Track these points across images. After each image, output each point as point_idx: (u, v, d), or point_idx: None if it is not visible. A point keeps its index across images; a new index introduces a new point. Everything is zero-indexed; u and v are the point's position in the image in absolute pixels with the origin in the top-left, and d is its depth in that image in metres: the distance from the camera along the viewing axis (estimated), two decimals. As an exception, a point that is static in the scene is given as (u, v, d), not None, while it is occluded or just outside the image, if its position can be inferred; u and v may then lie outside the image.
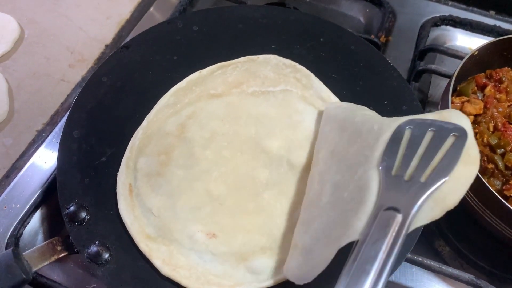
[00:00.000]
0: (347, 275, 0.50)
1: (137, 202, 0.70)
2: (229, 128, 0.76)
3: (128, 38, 0.96)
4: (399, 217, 0.51)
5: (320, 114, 0.77)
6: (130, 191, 0.71)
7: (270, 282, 0.64)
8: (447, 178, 0.52)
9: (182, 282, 0.64)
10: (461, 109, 0.72)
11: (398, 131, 0.59)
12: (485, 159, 0.66)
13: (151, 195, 0.71)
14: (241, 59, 0.83)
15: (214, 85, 0.81)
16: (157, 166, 0.73)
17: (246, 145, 0.75)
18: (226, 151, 0.74)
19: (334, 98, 0.79)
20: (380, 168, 0.56)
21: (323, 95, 0.79)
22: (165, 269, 0.65)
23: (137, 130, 0.76)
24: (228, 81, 0.81)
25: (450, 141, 0.55)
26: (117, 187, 0.71)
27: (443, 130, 0.56)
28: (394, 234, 0.51)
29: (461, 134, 0.55)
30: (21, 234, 0.74)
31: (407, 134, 0.58)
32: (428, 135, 0.57)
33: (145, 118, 0.78)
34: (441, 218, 0.75)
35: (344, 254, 0.61)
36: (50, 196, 0.77)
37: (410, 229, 0.51)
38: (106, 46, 0.98)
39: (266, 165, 0.73)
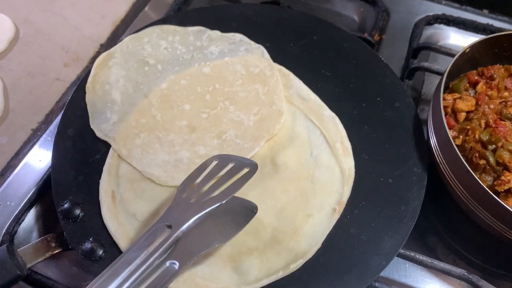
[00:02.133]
0: (102, 275, 0.54)
1: (121, 208, 0.70)
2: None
3: (123, 37, 0.96)
4: (167, 231, 0.58)
5: (301, 112, 0.78)
6: (113, 198, 0.71)
7: (258, 283, 0.64)
8: (223, 202, 0.60)
9: (169, 286, 0.63)
10: (453, 106, 0.73)
11: (206, 162, 0.66)
12: (477, 155, 0.67)
13: (134, 200, 0.71)
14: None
15: None
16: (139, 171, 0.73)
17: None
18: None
19: (313, 96, 0.80)
20: (177, 190, 0.64)
21: (302, 94, 0.80)
22: None
23: None
24: None
25: (241, 173, 0.63)
26: (99, 194, 0.71)
27: (240, 164, 0.64)
28: (156, 244, 0.57)
29: (252, 169, 0.63)
30: (16, 232, 0.74)
31: (212, 164, 0.66)
32: (228, 167, 0.64)
33: None
34: (434, 214, 0.77)
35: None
36: (45, 193, 0.77)
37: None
38: (101, 45, 0.98)
39: None
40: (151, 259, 0.56)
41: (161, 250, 0.57)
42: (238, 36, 0.85)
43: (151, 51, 0.84)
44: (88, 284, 0.53)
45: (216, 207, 0.60)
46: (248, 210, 0.67)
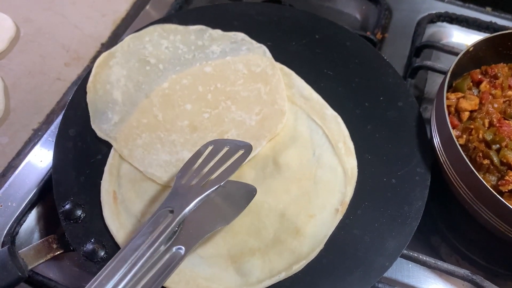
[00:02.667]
0: (110, 263, 0.55)
1: (122, 209, 0.70)
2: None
3: (124, 36, 0.95)
4: (170, 216, 0.60)
5: (303, 112, 0.78)
6: (114, 198, 0.70)
7: (260, 284, 0.64)
8: (221, 184, 0.62)
9: (171, 287, 0.64)
10: (456, 105, 0.72)
11: (201, 148, 0.68)
12: (480, 155, 0.66)
13: (136, 201, 0.71)
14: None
15: None
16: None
17: None
18: None
19: (315, 96, 0.80)
20: (175, 177, 0.66)
21: (305, 93, 0.80)
22: None
23: None
24: None
25: (237, 155, 0.65)
26: (101, 195, 0.71)
27: (235, 146, 0.66)
28: (161, 229, 0.58)
29: (247, 150, 0.65)
30: (17, 233, 0.74)
31: (208, 149, 0.68)
32: (224, 151, 0.66)
33: None
34: (437, 214, 0.76)
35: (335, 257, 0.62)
36: (46, 194, 0.77)
37: None
38: (102, 44, 0.97)
39: (252, 166, 0.73)
40: (156, 244, 0.57)
41: (165, 234, 0.58)
42: (240, 35, 0.85)
43: (152, 50, 0.83)
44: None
45: (216, 188, 0.62)
46: (248, 193, 0.68)
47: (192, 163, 0.67)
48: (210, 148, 0.68)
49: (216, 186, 0.62)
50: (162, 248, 0.58)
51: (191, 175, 0.65)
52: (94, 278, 0.54)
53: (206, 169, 0.65)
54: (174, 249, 0.58)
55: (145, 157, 0.73)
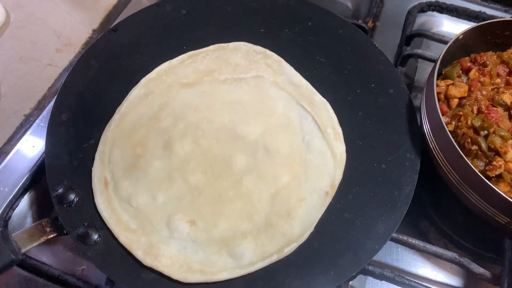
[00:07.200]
0: None
1: (114, 195, 0.70)
2: (203, 116, 0.76)
3: (115, 23, 0.95)
4: None
5: (292, 98, 0.78)
6: (106, 184, 0.70)
7: (253, 267, 0.65)
8: None
9: (165, 271, 0.64)
10: (446, 92, 0.73)
11: None
12: (469, 140, 0.67)
13: (128, 187, 0.71)
14: (211, 47, 0.84)
15: (185, 74, 0.81)
16: (133, 158, 0.73)
17: (221, 132, 0.75)
18: (202, 140, 0.74)
19: (305, 83, 0.80)
20: None
21: (294, 80, 0.80)
22: (147, 260, 0.65)
23: (108, 123, 0.76)
24: (199, 70, 0.81)
25: None
26: (92, 182, 0.71)
27: None
28: None
29: None
30: (10, 217, 0.74)
31: None
32: None
33: (116, 111, 0.77)
34: (426, 200, 0.78)
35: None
36: (39, 179, 0.77)
37: None
38: (94, 30, 0.97)
39: (242, 151, 0.74)
40: None
41: None
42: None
43: None
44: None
45: None
46: None
47: None
48: None
49: None
50: None
51: None
52: None
53: None
54: None
55: None
